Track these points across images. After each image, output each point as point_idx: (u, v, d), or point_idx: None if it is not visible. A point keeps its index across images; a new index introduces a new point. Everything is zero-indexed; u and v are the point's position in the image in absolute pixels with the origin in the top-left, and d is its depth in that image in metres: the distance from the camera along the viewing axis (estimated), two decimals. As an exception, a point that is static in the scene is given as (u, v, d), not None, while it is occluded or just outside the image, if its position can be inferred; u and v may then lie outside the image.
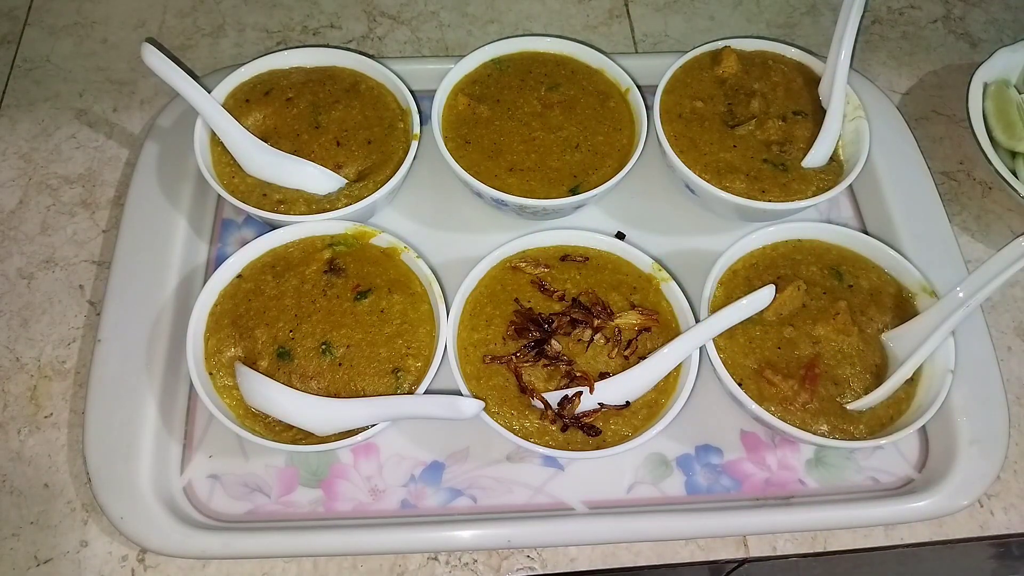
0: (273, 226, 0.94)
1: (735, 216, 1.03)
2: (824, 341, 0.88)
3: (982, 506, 0.89)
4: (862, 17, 1.02)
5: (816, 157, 1.00)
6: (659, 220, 1.05)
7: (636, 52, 1.24)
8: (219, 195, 0.95)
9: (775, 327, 0.89)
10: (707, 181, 0.97)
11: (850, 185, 0.99)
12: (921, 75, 1.24)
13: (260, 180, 0.97)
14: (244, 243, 0.93)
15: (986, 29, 1.30)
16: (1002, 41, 1.26)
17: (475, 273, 0.91)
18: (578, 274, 0.92)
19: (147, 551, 0.83)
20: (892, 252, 0.95)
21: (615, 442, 0.83)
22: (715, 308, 0.87)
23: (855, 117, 1.03)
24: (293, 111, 1.01)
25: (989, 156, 1.03)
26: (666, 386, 0.86)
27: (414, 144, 0.98)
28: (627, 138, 1.02)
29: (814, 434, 0.83)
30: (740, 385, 0.85)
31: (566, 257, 0.93)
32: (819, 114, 1.03)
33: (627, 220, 1.04)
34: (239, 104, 1.01)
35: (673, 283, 0.91)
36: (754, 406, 0.83)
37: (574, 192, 0.96)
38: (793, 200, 0.96)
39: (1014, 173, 1.04)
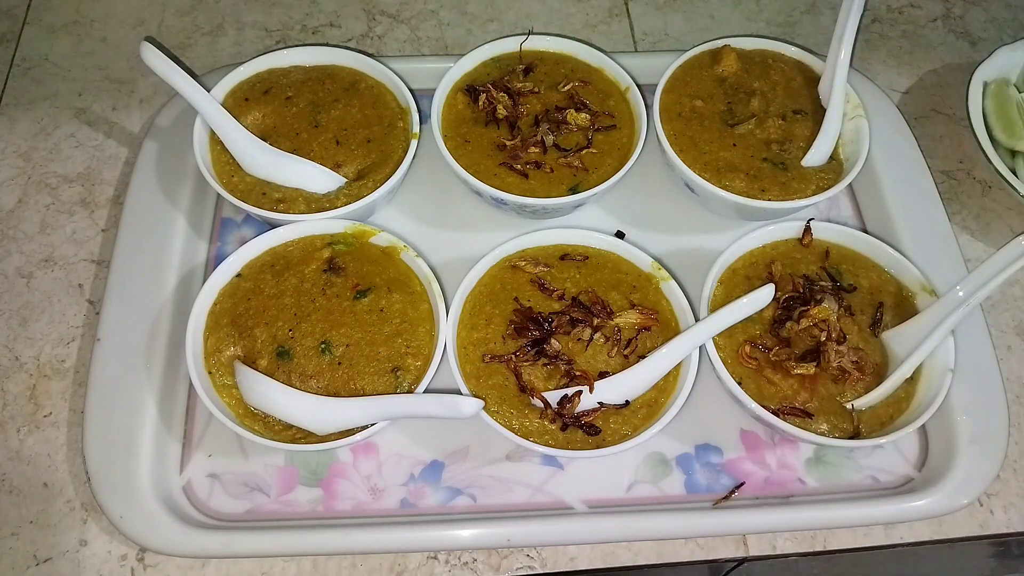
0: (272, 225, 0.94)
1: (735, 215, 1.03)
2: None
3: (982, 505, 0.89)
4: (862, 16, 1.01)
5: (816, 156, 1.00)
6: (659, 219, 1.05)
7: (636, 51, 1.24)
8: (218, 194, 0.95)
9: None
10: (707, 180, 0.97)
11: (850, 184, 0.99)
12: (921, 74, 1.24)
13: (259, 179, 0.97)
14: (243, 242, 0.93)
15: (986, 28, 1.30)
16: (1002, 40, 1.26)
17: (475, 272, 0.91)
18: (578, 273, 0.92)
19: (146, 550, 0.83)
20: (892, 251, 0.95)
21: (615, 441, 0.83)
22: (715, 307, 0.87)
23: (855, 116, 1.03)
24: (292, 110, 1.01)
25: (989, 155, 1.03)
26: (666, 385, 0.86)
27: (413, 143, 0.98)
28: (626, 137, 1.02)
29: (814, 433, 0.83)
30: (740, 384, 0.85)
31: (566, 256, 0.93)
32: (819, 113, 1.03)
33: (627, 219, 1.04)
34: (238, 103, 1.01)
35: (673, 282, 0.91)
36: (754, 405, 0.83)
37: (574, 191, 0.96)
38: (793, 199, 0.96)
39: (1014, 172, 1.04)
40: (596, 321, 0.86)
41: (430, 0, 1.28)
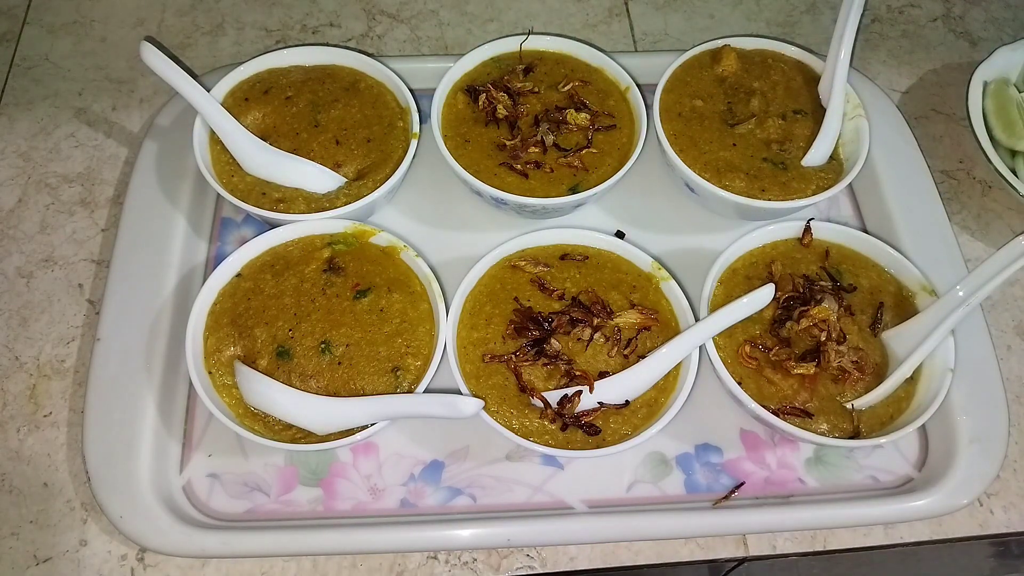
0: (272, 225, 0.94)
1: (735, 215, 1.03)
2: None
3: (982, 505, 0.89)
4: (862, 16, 1.01)
5: (816, 156, 1.00)
6: (659, 219, 1.05)
7: (636, 51, 1.24)
8: (218, 194, 0.95)
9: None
10: (707, 180, 0.97)
11: (850, 184, 0.99)
12: (921, 74, 1.24)
13: (259, 179, 0.97)
14: (243, 242, 0.93)
15: (986, 28, 1.30)
16: (1002, 40, 1.26)
17: (475, 272, 0.91)
18: (578, 273, 0.92)
19: (146, 550, 0.83)
20: (892, 251, 0.95)
21: (615, 441, 0.83)
22: (715, 307, 0.87)
23: (855, 116, 1.03)
24: (292, 110, 1.01)
25: (989, 155, 1.03)
26: (666, 385, 0.86)
27: (413, 143, 0.98)
28: (626, 137, 1.02)
29: (814, 433, 0.83)
30: (740, 384, 0.85)
31: (566, 256, 0.93)
32: (819, 113, 1.03)
33: (627, 219, 1.04)
34: (238, 103, 1.01)
35: (673, 282, 0.91)
36: (754, 405, 0.83)
37: (573, 191, 0.96)
38: (793, 199, 0.96)
39: (1014, 172, 1.04)
40: (596, 321, 0.86)
41: (430, 0, 1.28)
